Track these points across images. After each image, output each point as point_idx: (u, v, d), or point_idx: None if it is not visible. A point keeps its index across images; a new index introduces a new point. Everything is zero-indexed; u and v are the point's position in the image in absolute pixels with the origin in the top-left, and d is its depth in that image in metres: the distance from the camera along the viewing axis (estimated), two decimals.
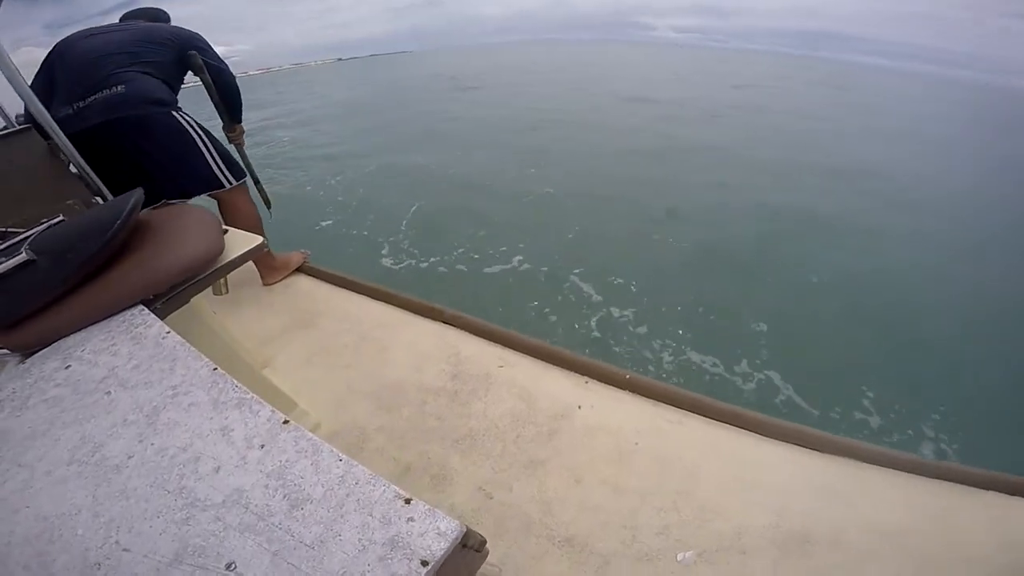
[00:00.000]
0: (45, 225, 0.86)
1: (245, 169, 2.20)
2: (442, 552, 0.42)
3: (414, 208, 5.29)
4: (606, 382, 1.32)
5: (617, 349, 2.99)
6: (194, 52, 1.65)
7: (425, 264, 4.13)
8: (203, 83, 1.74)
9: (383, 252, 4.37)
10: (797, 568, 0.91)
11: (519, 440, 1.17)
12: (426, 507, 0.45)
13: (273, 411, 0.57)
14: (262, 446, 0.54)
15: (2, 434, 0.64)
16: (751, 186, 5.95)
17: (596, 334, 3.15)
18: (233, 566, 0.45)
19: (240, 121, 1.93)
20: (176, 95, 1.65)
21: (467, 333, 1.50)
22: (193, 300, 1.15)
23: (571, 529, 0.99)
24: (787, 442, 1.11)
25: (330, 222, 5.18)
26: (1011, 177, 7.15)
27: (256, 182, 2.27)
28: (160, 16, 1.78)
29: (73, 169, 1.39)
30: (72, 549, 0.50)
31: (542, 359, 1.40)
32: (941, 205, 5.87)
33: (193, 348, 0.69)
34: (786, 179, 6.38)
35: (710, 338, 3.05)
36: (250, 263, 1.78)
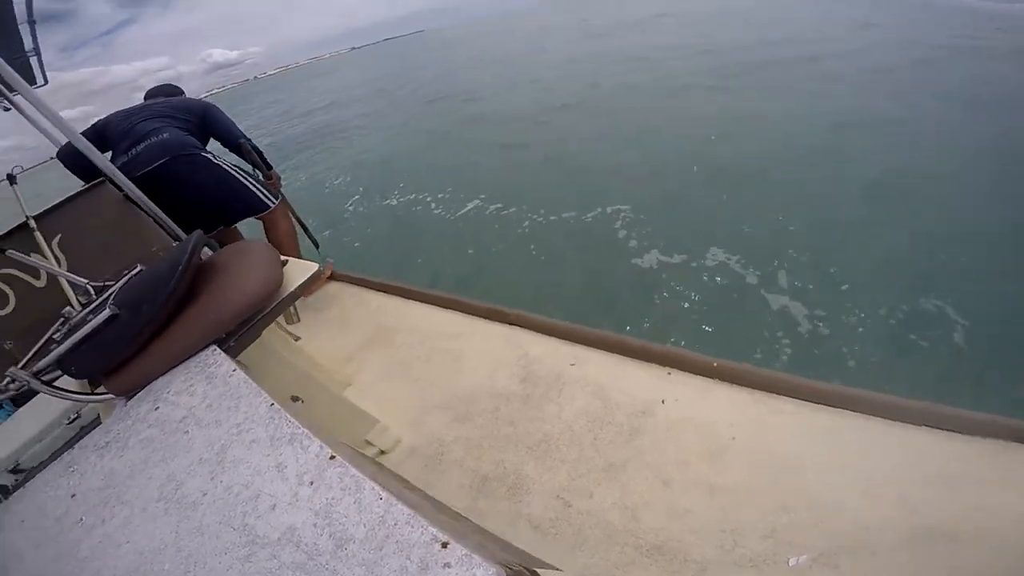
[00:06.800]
0: (127, 278, 0.95)
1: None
2: None
3: None
4: (691, 372, 1.20)
5: None
6: (244, 142, 2.02)
7: None
8: (244, 159, 2.08)
9: None
10: (939, 570, 0.75)
11: (597, 442, 1.10)
12: (463, 552, 0.41)
13: (321, 446, 0.57)
14: (311, 483, 0.53)
15: (110, 474, 0.71)
16: None
17: None
18: None
19: (272, 168, 2.21)
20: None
21: (534, 332, 1.45)
22: (271, 331, 1.23)
23: (660, 536, 0.90)
24: (913, 424, 0.93)
25: None
26: None
27: (302, 225, 2.49)
28: (176, 91, 2.19)
29: (149, 215, 1.56)
30: None
31: (617, 352, 1.31)
32: None
33: (254, 384, 0.71)
34: None
35: None
36: None
